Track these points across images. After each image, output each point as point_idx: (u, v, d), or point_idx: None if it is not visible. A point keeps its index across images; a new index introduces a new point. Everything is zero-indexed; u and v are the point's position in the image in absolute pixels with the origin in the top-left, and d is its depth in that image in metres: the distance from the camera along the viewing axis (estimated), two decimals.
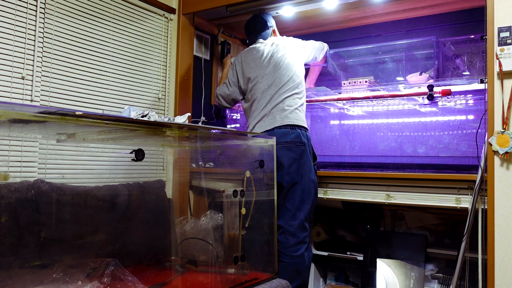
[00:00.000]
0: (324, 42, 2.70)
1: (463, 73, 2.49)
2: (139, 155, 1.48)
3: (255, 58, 2.46)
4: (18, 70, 1.94)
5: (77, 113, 1.26)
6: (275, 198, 2.08)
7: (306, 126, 2.31)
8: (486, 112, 1.85)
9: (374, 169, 2.40)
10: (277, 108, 2.28)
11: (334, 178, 2.37)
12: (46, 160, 2.00)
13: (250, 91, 2.43)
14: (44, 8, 2.03)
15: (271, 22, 2.60)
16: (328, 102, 2.68)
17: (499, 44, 1.78)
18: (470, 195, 1.94)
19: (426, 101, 2.38)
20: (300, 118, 2.30)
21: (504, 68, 1.76)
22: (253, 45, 2.54)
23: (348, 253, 2.59)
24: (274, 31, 2.63)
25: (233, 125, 3.08)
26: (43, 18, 2.03)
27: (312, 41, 2.61)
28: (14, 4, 1.92)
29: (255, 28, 2.59)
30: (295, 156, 2.20)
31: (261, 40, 2.55)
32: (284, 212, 2.18)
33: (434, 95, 2.26)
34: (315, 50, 2.60)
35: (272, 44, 2.48)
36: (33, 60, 1.99)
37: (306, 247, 2.19)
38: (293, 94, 2.32)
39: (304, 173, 2.20)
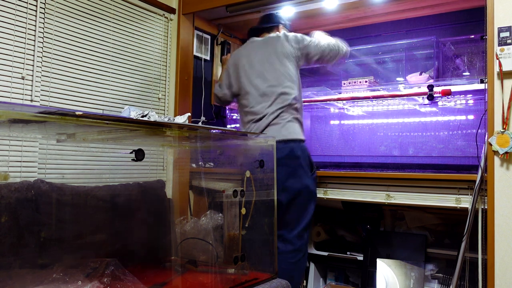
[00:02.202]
0: None
1: (463, 73, 2.49)
2: (139, 155, 1.48)
3: (244, 63, 2.38)
4: (18, 70, 1.94)
5: (77, 113, 1.26)
6: (275, 198, 2.08)
7: (300, 137, 2.21)
8: (486, 112, 1.85)
9: (374, 169, 2.40)
10: (269, 124, 2.22)
11: (334, 178, 2.37)
12: (46, 160, 2.00)
13: (242, 98, 2.39)
14: (44, 8, 2.03)
15: (278, 21, 2.50)
16: (328, 102, 2.68)
17: (499, 44, 1.78)
18: (470, 195, 1.94)
19: (426, 101, 2.38)
20: (294, 130, 2.20)
21: (504, 68, 1.76)
22: (245, 44, 2.48)
23: (348, 253, 2.59)
24: (277, 27, 2.49)
25: (233, 125, 3.08)
26: (43, 18, 2.03)
27: (316, 36, 2.41)
28: (14, 4, 1.92)
29: (260, 25, 2.52)
30: (290, 170, 2.14)
31: (254, 38, 2.46)
32: (283, 224, 2.16)
33: (434, 95, 2.26)
34: (317, 48, 2.34)
35: (262, 46, 2.37)
36: (33, 60, 1.99)
37: (302, 255, 2.19)
38: (285, 106, 2.21)
39: (301, 187, 2.16)
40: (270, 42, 2.36)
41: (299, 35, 2.35)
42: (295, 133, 2.19)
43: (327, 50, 2.34)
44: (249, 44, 2.45)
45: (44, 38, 2.04)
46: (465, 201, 1.98)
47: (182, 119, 1.97)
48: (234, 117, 3.10)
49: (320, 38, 2.38)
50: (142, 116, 1.83)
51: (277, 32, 2.42)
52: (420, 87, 2.37)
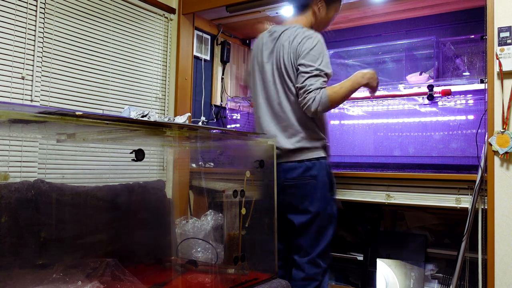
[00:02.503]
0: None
1: (463, 73, 2.49)
2: (139, 155, 1.48)
3: (256, 67, 2.01)
4: (18, 70, 1.94)
5: (77, 113, 1.26)
6: (275, 198, 2.08)
7: (317, 155, 1.90)
8: (486, 112, 1.85)
9: (374, 169, 2.40)
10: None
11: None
12: (46, 160, 2.00)
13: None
14: (44, 8, 2.03)
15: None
16: None
17: (499, 44, 1.78)
18: (470, 195, 1.94)
19: (426, 101, 2.38)
20: (308, 151, 1.90)
21: (504, 68, 1.76)
22: (265, 33, 2.02)
23: (348, 253, 2.59)
24: (313, 11, 1.97)
25: (233, 125, 3.08)
26: (43, 18, 2.03)
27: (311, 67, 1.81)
28: (14, 4, 1.92)
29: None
30: (304, 192, 1.90)
31: (274, 27, 1.99)
32: (296, 248, 1.96)
33: (434, 95, 2.26)
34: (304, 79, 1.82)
35: (274, 47, 1.94)
36: (33, 60, 1.99)
37: (318, 285, 1.91)
38: (292, 136, 1.90)
39: (318, 209, 1.89)
40: (282, 42, 1.91)
41: (308, 38, 1.84)
42: (310, 150, 1.91)
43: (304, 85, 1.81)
44: (265, 37, 2.00)
45: (44, 38, 2.04)
46: (465, 201, 1.98)
47: (182, 119, 1.96)
48: (234, 117, 3.10)
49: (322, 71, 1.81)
50: (142, 116, 1.83)
51: (297, 24, 1.93)
52: (420, 87, 2.37)
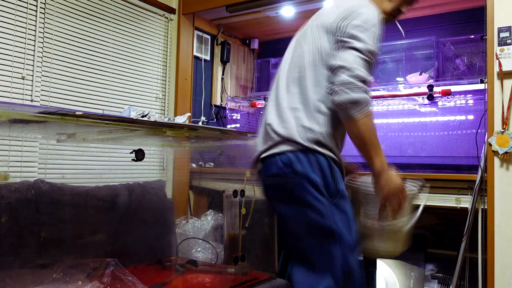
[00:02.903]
0: None
1: (463, 73, 2.49)
2: (139, 155, 1.48)
3: None
4: (18, 70, 1.94)
5: (77, 113, 1.26)
6: None
7: (305, 144, 1.38)
8: (486, 112, 1.85)
9: None
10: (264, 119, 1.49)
11: None
12: (46, 160, 2.00)
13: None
14: (44, 8, 2.03)
15: None
16: None
17: (499, 44, 1.78)
18: (470, 195, 1.94)
19: (426, 101, 2.38)
20: (298, 133, 1.39)
21: (504, 68, 1.76)
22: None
23: None
24: None
25: (233, 125, 3.08)
26: (43, 18, 2.03)
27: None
28: (14, 4, 1.93)
29: None
30: (283, 196, 1.40)
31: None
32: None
33: (434, 95, 2.26)
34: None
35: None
36: (33, 60, 1.99)
37: None
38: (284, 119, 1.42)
39: (303, 218, 1.35)
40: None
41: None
42: (298, 135, 1.38)
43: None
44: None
45: (44, 38, 2.04)
46: (465, 201, 1.98)
47: (182, 119, 1.96)
48: (234, 117, 3.10)
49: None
50: (142, 116, 1.83)
51: None
52: (420, 87, 2.37)
